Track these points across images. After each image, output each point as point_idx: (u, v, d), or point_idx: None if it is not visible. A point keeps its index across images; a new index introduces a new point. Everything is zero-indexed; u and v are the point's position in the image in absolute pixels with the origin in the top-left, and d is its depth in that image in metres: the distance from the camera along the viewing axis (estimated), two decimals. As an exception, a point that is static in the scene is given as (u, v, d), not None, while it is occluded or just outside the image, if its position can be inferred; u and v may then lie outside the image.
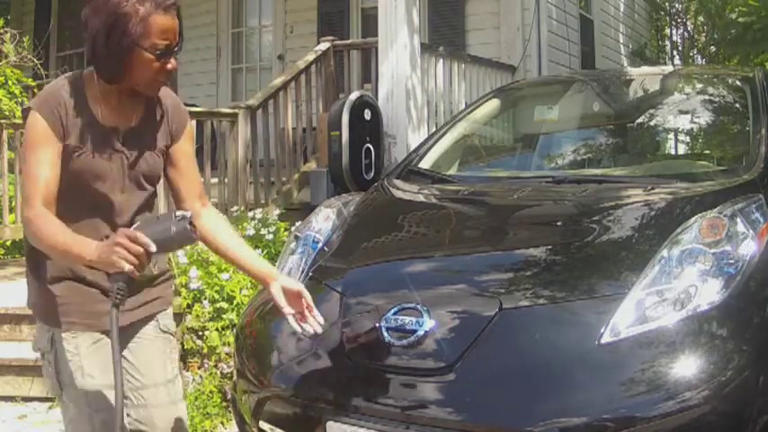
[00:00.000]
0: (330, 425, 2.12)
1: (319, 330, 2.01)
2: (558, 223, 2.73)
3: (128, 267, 1.69)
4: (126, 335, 2.00)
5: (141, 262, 1.71)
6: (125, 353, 2.02)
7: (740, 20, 7.96)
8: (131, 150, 1.96)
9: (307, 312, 2.00)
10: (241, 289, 4.03)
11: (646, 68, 7.21)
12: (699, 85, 3.89)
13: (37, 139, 1.85)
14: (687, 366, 1.94)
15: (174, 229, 1.77)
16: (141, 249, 1.70)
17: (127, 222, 1.96)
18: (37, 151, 1.84)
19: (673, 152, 3.90)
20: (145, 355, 2.06)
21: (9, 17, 10.73)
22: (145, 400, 2.03)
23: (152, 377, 2.05)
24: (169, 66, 1.86)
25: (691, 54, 14.10)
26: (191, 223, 1.79)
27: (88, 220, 1.92)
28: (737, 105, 3.56)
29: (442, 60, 6.59)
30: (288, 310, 2.00)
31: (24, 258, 2.02)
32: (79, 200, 1.91)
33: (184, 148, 2.07)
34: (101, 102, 1.91)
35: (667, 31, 14.42)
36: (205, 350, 3.81)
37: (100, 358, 1.93)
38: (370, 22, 8.25)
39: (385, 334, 2.16)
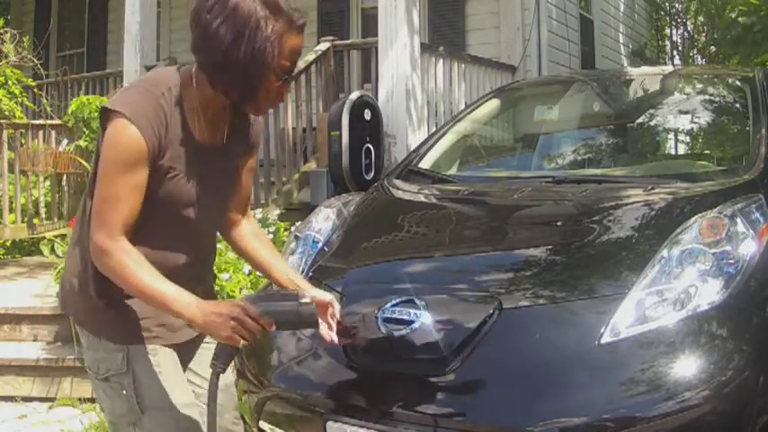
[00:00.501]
0: (330, 425, 2.11)
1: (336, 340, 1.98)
2: (558, 223, 2.73)
3: (242, 344, 1.65)
4: (194, 346, 1.92)
5: (255, 338, 1.66)
6: (191, 364, 1.93)
7: (740, 20, 7.96)
8: (220, 170, 1.83)
9: (330, 320, 1.97)
10: (241, 289, 4.02)
11: (646, 68, 7.22)
12: (699, 85, 3.89)
13: (130, 157, 1.63)
14: (687, 366, 1.93)
15: (301, 311, 1.73)
16: (260, 328, 1.65)
17: (203, 248, 1.87)
18: (127, 173, 1.64)
19: (673, 152, 3.90)
20: (207, 363, 1.95)
21: (9, 17, 10.75)
22: (196, 409, 1.86)
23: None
24: (286, 89, 1.74)
25: (691, 54, 14.10)
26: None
27: (165, 251, 1.77)
28: (737, 105, 3.56)
29: (441, 60, 6.59)
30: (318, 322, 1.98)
31: (70, 272, 1.81)
32: (161, 226, 1.75)
33: (251, 162, 1.96)
34: (198, 113, 1.74)
35: (667, 31, 14.43)
36: (205, 350, 3.81)
37: (179, 376, 1.83)
38: (370, 22, 8.26)
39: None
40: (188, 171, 1.74)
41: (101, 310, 1.76)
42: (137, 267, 1.64)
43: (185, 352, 1.90)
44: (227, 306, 1.66)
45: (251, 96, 1.70)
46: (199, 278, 1.89)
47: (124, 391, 1.76)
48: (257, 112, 1.82)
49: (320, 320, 1.94)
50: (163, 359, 1.79)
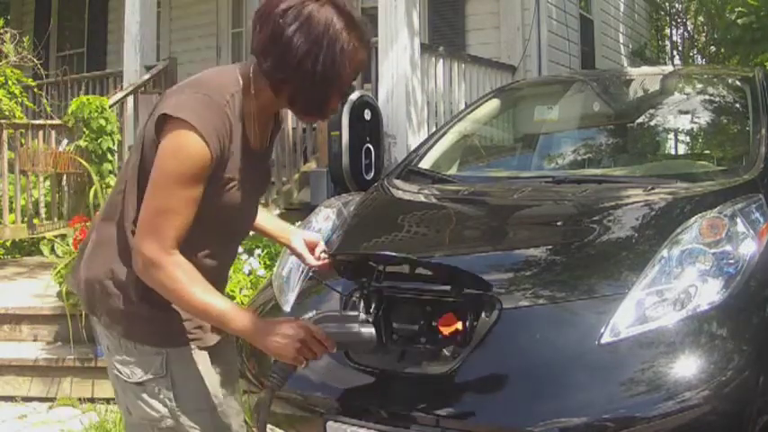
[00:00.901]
0: (330, 425, 2.11)
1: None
2: (558, 223, 2.73)
3: (304, 365, 1.66)
4: (219, 349, 1.88)
5: (315, 358, 1.67)
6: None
7: (739, 21, 7.96)
8: (264, 173, 1.83)
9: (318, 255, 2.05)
10: (241, 289, 4.03)
11: (646, 68, 7.22)
12: (699, 85, 3.89)
13: (193, 170, 1.56)
14: (687, 366, 1.93)
15: (362, 333, 1.75)
16: (324, 349, 1.66)
17: (234, 249, 1.88)
18: (188, 186, 1.57)
19: (673, 152, 3.90)
20: (233, 365, 1.97)
21: (9, 17, 10.75)
22: (230, 408, 1.87)
23: (235, 387, 1.96)
24: (342, 101, 1.73)
25: (691, 54, 14.10)
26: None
27: (201, 254, 1.72)
28: (737, 105, 3.56)
29: (441, 60, 6.59)
30: (312, 261, 2.03)
31: (101, 274, 1.72)
32: (206, 232, 1.69)
33: None
34: (254, 119, 1.69)
35: (667, 31, 14.43)
36: (205, 350, 3.80)
37: (214, 377, 1.79)
38: (370, 22, 8.24)
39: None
40: (242, 180, 1.69)
41: (141, 314, 1.69)
42: (189, 282, 1.59)
43: (214, 355, 1.86)
44: (291, 327, 1.64)
45: (317, 108, 1.67)
46: (220, 281, 1.86)
47: (161, 395, 1.71)
48: (311, 120, 1.80)
49: (306, 254, 2.03)
50: (199, 359, 1.76)
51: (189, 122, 1.55)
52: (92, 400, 4.07)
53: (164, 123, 1.59)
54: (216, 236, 1.74)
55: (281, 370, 1.72)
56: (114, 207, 1.75)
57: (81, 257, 1.83)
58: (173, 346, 1.72)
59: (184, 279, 1.59)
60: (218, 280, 1.81)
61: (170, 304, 1.68)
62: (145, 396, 1.72)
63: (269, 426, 2.30)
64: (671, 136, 3.92)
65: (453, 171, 3.53)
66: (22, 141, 6.13)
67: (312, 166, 6.54)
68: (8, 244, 6.49)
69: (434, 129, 5.88)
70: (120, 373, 1.74)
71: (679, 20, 14.17)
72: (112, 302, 1.70)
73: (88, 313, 1.81)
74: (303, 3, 1.60)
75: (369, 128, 5.68)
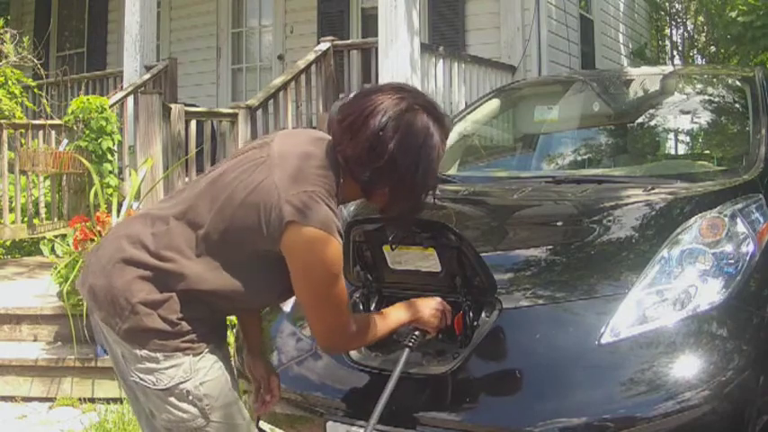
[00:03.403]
0: (330, 425, 2.11)
1: None
2: (559, 223, 2.73)
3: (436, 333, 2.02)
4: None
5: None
6: None
7: (740, 19, 7.96)
8: None
9: None
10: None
11: (646, 68, 7.22)
12: (699, 85, 3.89)
13: (340, 267, 1.73)
14: (687, 366, 1.93)
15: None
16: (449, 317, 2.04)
17: None
18: (341, 278, 1.74)
19: (673, 152, 3.90)
20: (229, 357, 1.99)
21: (9, 17, 10.74)
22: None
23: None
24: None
25: (691, 54, 14.09)
26: None
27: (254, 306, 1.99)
28: (737, 105, 3.56)
29: (441, 60, 6.60)
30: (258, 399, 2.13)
31: (129, 293, 1.70)
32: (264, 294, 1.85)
33: None
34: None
35: (667, 31, 14.42)
36: (205, 350, 3.80)
37: (231, 369, 1.84)
38: (370, 22, 8.27)
39: (385, 334, 2.15)
40: None
41: (179, 330, 1.70)
42: (372, 329, 1.88)
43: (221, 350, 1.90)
44: (436, 303, 2.02)
45: (411, 211, 1.84)
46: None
47: (190, 396, 1.72)
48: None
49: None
50: (220, 354, 1.79)
51: (333, 235, 1.66)
52: (92, 400, 4.07)
53: (291, 226, 1.65)
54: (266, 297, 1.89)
55: (421, 335, 2.02)
56: (159, 239, 1.72)
57: (96, 261, 1.79)
58: (198, 352, 1.73)
59: (368, 331, 1.87)
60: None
61: (202, 314, 1.73)
62: (172, 399, 1.73)
63: (269, 426, 2.30)
64: (671, 136, 3.92)
65: (453, 171, 3.53)
66: (23, 141, 6.14)
67: (312, 166, 6.54)
68: (8, 244, 6.50)
69: (434, 129, 5.88)
70: (143, 380, 1.73)
71: (679, 20, 14.16)
72: (139, 320, 1.69)
73: (101, 321, 1.77)
74: (400, 113, 1.70)
75: (369, 128, 5.67)
